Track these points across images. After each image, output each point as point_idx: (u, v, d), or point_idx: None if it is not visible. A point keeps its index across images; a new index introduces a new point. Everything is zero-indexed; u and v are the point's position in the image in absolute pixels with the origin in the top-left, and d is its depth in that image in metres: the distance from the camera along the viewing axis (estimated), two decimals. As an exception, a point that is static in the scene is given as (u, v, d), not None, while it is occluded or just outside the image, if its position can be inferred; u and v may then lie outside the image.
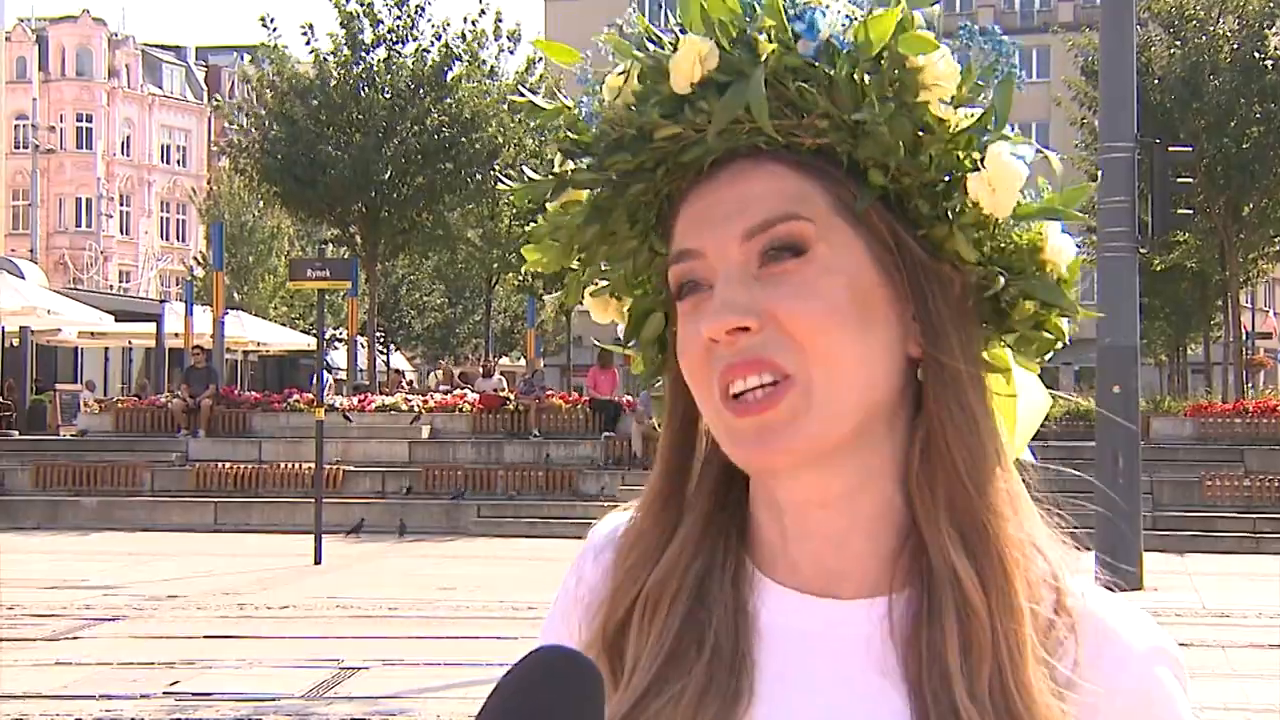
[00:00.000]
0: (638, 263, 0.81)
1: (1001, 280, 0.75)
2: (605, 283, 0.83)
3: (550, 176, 0.81)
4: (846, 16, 0.74)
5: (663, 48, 0.76)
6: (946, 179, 0.74)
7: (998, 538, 0.74)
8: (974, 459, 0.74)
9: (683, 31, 0.76)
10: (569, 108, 0.80)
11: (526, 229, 0.84)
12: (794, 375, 0.72)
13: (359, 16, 19.25)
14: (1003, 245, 0.75)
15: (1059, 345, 0.80)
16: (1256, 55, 18.58)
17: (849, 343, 0.73)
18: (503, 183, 0.95)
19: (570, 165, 0.80)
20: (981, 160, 0.74)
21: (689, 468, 0.80)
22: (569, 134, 0.80)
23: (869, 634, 0.74)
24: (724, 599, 0.77)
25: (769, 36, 0.73)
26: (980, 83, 0.75)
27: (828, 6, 0.75)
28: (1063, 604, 0.75)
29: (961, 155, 0.74)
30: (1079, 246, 0.82)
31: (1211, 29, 18.74)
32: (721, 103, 0.73)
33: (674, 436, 0.81)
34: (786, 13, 0.74)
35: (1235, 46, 18.64)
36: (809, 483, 0.75)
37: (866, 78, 0.73)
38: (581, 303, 0.85)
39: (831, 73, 0.72)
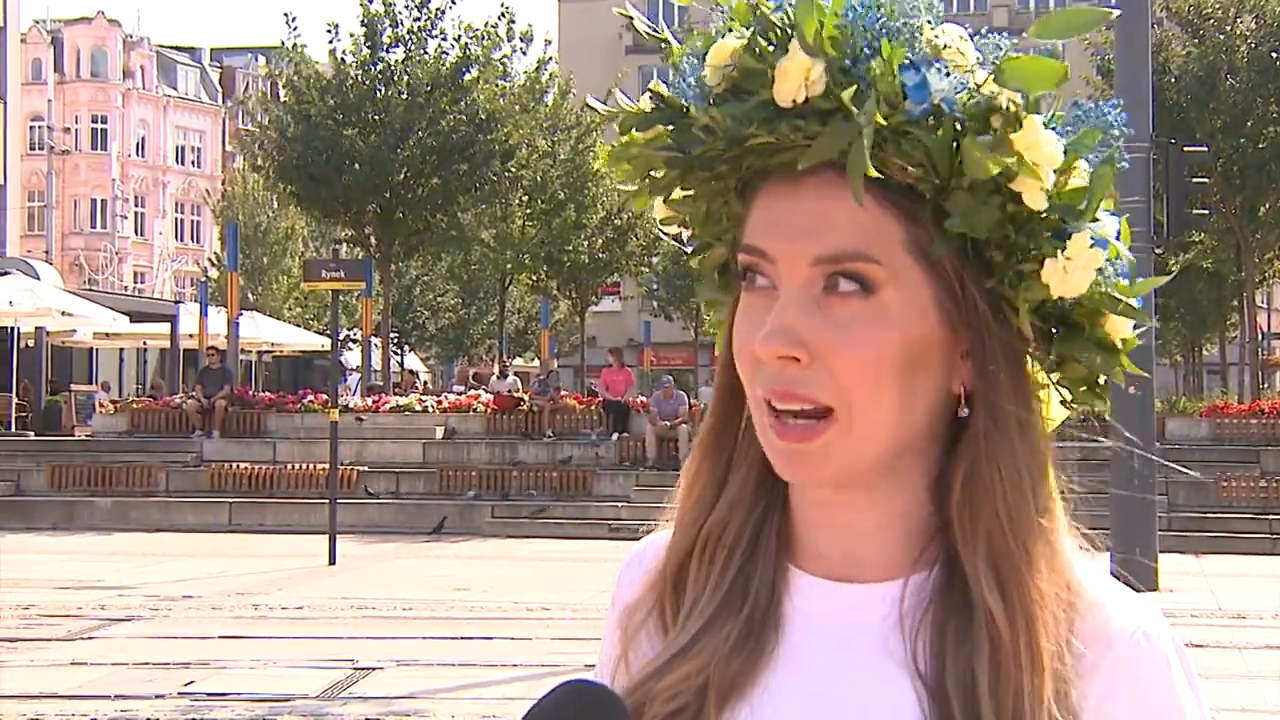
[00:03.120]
0: (712, 205, 0.81)
1: (1055, 337, 0.76)
2: (678, 202, 0.83)
3: (640, 111, 0.80)
4: (963, 82, 0.73)
5: (770, 36, 0.75)
6: (1029, 249, 0.74)
7: (1026, 587, 0.75)
8: (1016, 503, 0.75)
9: (792, 29, 0.74)
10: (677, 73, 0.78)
11: (611, 145, 0.82)
12: (835, 410, 0.74)
13: (380, 17, 19.35)
14: (1064, 305, 0.76)
15: (1098, 406, 0.80)
16: (1274, 55, 18.54)
17: (891, 389, 0.74)
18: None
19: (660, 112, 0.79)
20: (1063, 246, 0.73)
21: (740, 412, 0.81)
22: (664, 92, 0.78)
23: (883, 616, 0.77)
24: (769, 556, 0.80)
25: (877, 88, 0.72)
26: (1083, 165, 0.75)
27: (948, 65, 0.73)
28: (1073, 606, 0.76)
29: (1048, 234, 0.74)
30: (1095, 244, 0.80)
31: (1229, 28, 18.66)
32: (819, 142, 0.73)
33: (725, 379, 0.82)
34: (905, 61, 0.73)
35: (1253, 46, 18.58)
36: (836, 495, 0.78)
37: (968, 153, 0.72)
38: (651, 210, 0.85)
39: (932, 139, 0.72)
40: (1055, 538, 0.77)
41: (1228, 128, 18.10)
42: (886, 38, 0.73)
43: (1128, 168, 0.76)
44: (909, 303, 0.74)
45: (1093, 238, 0.74)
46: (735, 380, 0.81)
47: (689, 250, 0.85)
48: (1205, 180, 10.82)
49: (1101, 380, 0.79)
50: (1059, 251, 0.73)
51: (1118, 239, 0.76)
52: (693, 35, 0.79)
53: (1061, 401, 0.81)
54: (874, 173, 0.71)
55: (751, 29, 0.75)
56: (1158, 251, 10.19)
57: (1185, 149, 10.28)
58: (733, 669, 0.78)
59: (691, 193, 0.81)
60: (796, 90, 0.73)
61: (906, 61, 0.73)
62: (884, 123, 0.72)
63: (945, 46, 0.74)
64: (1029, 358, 0.77)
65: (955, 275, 0.75)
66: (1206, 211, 11.03)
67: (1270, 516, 12.95)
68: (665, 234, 0.85)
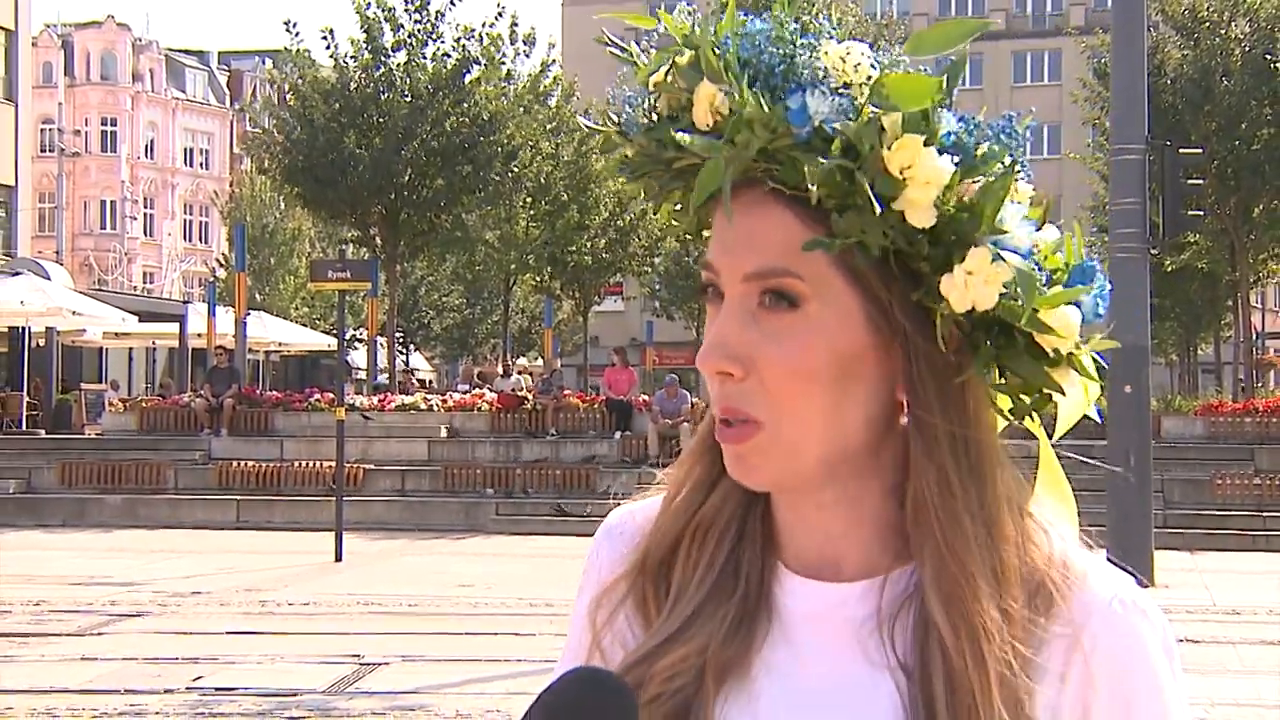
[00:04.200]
0: (700, 216, 0.83)
1: (986, 347, 0.75)
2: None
3: (605, 136, 0.82)
4: (847, 102, 0.73)
5: (691, 62, 0.76)
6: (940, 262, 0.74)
7: (966, 605, 0.75)
8: (951, 521, 0.75)
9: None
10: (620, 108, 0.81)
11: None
12: (764, 423, 0.76)
13: (380, 21, 19.43)
14: (993, 312, 0.74)
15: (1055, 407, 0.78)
16: (1268, 58, 18.56)
17: (819, 397, 0.75)
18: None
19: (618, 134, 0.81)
20: (959, 260, 0.73)
21: None
22: (615, 128, 0.81)
23: (863, 614, 0.78)
24: (756, 548, 0.81)
25: (750, 119, 0.73)
26: (976, 180, 0.74)
27: (830, 86, 0.73)
28: (1041, 588, 0.77)
29: (950, 249, 0.73)
30: (1090, 246, 0.80)
31: (1224, 32, 18.71)
32: (701, 176, 0.75)
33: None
34: (786, 86, 0.73)
35: (1247, 49, 18.61)
36: (800, 496, 0.80)
37: (854, 170, 0.73)
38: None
39: (818, 160, 0.73)
40: (1008, 543, 0.76)
41: (1222, 130, 18.15)
42: (777, 62, 0.74)
43: (1029, 184, 0.75)
44: (835, 315, 0.75)
45: (1001, 251, 0.72)
46: None
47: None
48: (1200, 182, 10.85)
49: (1042, 391, 0.77)
50: (955, 266, 0.73)
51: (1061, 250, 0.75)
52: (654, 55, 0.79)
53: (1010, 410, 0.79)
54: (782, 189, 0.74)
55: (677, 55, 0.77)
56: (1153, 252, 10.22)
57: (1180, 151, 10.29)
58: (728, 652, 0.79)
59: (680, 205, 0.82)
60: (706, 115, 0.75)
61: (793, 85, 0.73)
62: (767, 147, 0.73)
63: (829, 69, 0.74)
64: (965, 370, 0.76)
65: (883, 285, 0.75)
66: (1201, 213, 11.05)
67: (1264, 514, 13.00)
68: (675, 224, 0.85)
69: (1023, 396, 0.78)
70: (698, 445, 0.84)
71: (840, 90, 0.73)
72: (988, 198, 0.73)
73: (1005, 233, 0.74)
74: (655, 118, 0.78)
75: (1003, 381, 0.77)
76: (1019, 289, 0.73)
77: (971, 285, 0.72)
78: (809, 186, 0.73)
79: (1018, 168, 0.74)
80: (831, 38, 0.75)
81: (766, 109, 0.73)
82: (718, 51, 0.74)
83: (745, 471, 0.78)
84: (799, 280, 0.75)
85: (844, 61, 0.74)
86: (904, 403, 0.77)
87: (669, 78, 0.77)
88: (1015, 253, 0.73)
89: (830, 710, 0.77)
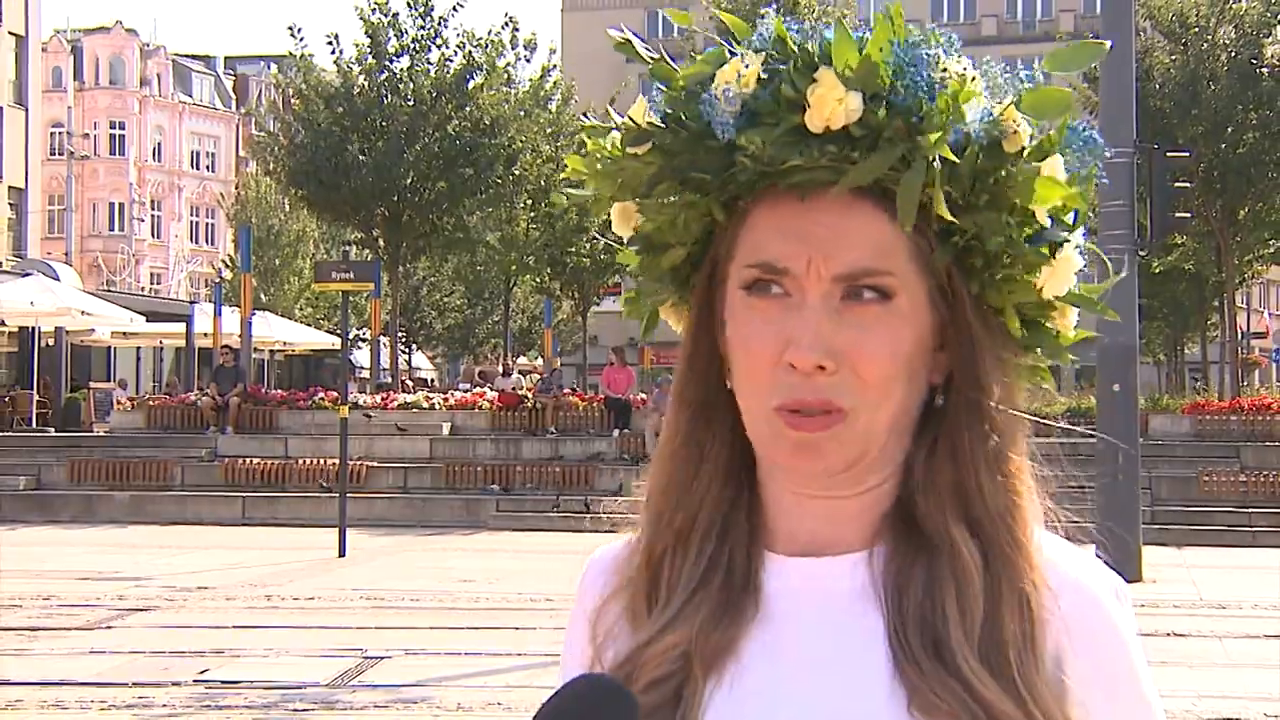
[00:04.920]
0: (688, 215, 0.82)
1: (1018, 329, 0.82)
2: (650, 206, 0.83)
3: (635, 126, 0.81)
4: (987, 111, 0.77)
5: (786, 58, 0.77)
6: (1010, 256, 0.79)
7: (999, 532, 0.79)
8: (987, 467, 0.80)
9: (817, 62, 0.76)
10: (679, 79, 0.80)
11: (582, 152, 0.84)
12: (847, 411, 0.78)
13: (384, 27, 19.57)
14: (1034, 306, 0.81)
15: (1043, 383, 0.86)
16: (1254, 63, 18.68)
17: (903, 385, 0.79)
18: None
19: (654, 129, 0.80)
20: (1053, 255, 0.79)
21: (712, 409, 0.84)
22: (661, 112, 0.80)
23: (855, 582, 0.80)
24: (741, 542, 0.83)
25: (935, 125, 0.75)
26: (1076, 188, 0.79)
27: (978, 101, 0.77)
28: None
29: (1040, 245, 0.79)
30: (1078, 248, 0.85)
31: (1210, 37, 18.79)
32: (864, 166, 0.76)
33: (700, 377, 0.85)
34: (969, 99, 0.76)
35: (1233, 54, 18.71)
36: (822, 483, 0.81)
37: (986, 175, 0.77)
38: (607, 214, 0.85)
39: (961, 163, 0.76)
40: (1024, 504, 0.81)
41: (1209, 133, 18.24)
42: (927, 71, 0.76)
43: (1108, 184, 0.92)
44: (916, 307, 0.79)
45: (1075, 245, 0.80)
46: (712, 379, 0.83)
47: (630, 248, 0.86)
48: (1187, 184, 10.91)
49: (1045, 365, 0.85)
50: (1051, 260, 0.80)
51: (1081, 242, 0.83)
52: (696, 59, 0.80)
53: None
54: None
55: (762, 54, 0.77)
56: (1141, 254, 10.30)
57: (1168, 154, 10.35)
58: (715, 638, 0.80)
59: (666, 197, 0.81)
60: (831, 117, 0.75)
61: (968, 98, 0.76)
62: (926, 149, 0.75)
63: (972, 79, 0.77)
64: (1012, 352, 0.82)
65: (948, 276, 0.80)
66: (1188, 215, 11.13)
67: (1250, 510, 13.12)
68: (605, 237, 0.90)
69: (1028, 375, 0.85)
70: (669, 454, 0.84)
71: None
72: (1080, 200, 0.80)
73: (1076, 229, 0.81)
74: (746, 118, 0.77)
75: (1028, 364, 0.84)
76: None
77: (1059, 275, 0.80)
78: (944, 190, 0.76)
79: (1096, 172, 0.81)
80: (945, 52, 0.78)
81: (960, 114, 0.75)
82: (886, 60, 0.76)
83: (814, 457, 0.78)
84: (892, 276, 0.78)
85: (974, 71, 0.78)
86: (937, 386, 0.82)
87: (767, 77, 0.77)
88: (1080, 249, 0.81)
89: (822, 682, 0.78)
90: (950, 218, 0.77)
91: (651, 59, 0.82)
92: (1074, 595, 0.79)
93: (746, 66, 0.77)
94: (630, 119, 0.81)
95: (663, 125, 0.79)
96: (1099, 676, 0.78)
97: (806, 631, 0.80)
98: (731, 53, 0.78)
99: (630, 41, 0.83)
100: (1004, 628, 0.77)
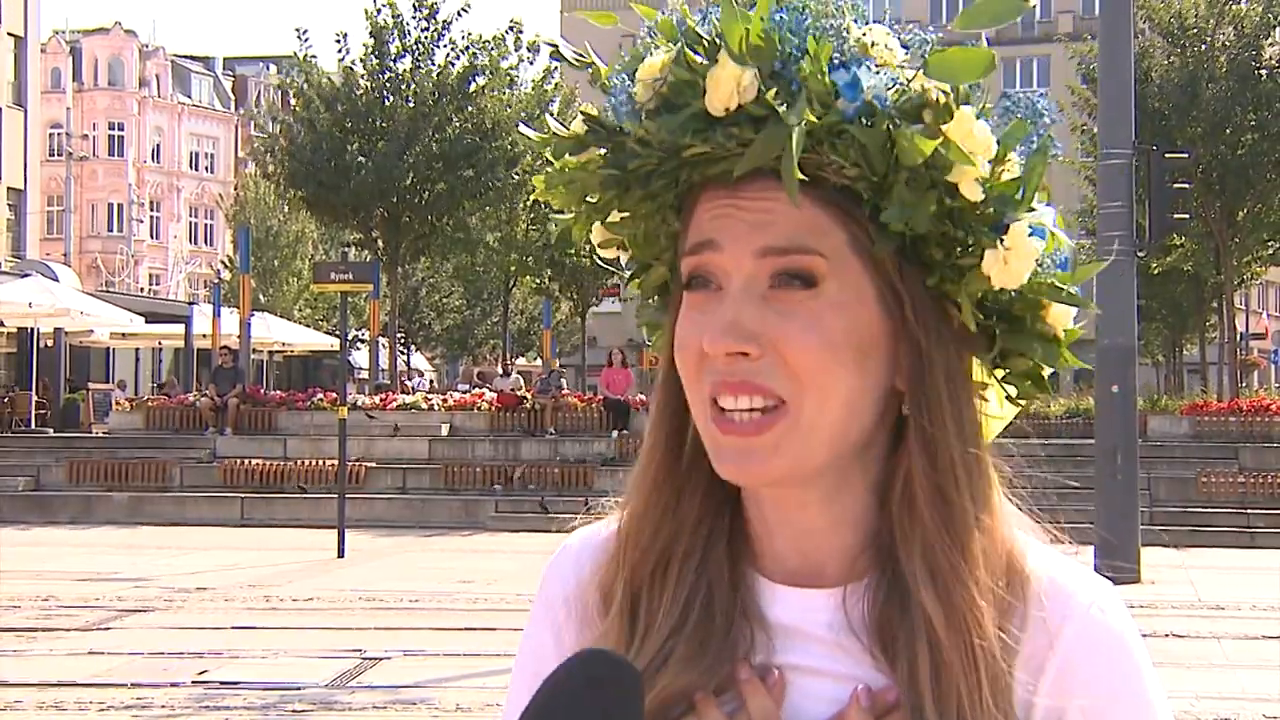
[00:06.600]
0: (649, 225, 0.80)
1: (997, 333, 0.76)
2: (616, 224, 0.81)
3: (575, 135, 0.78)
4: (893, 78, 0.72)
5: (698, 49, 0.73)
6: (968, 243, 0.73)
7: (965, 586, 0.74)
8: (952, 500, 0.75)
9: (719, 39, 0.72)
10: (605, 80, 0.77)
11: (544, 171, 0.82)
12: (788, 403, 0.73)
13: (390, 29, 19.61)
14: (1005, 298, 0.75)
15: (1041, 395, 0.79)
16: (1253, 64, 18.72)
17: (843, 379, 0.73)
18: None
19: (593, 134, 0.77)
20: (1002, 237, 0.72)
21: (686, 428, 0.80)
22: (594, 112, 0.78)
23: (840, 620, 0.77)
24: (723, 565, 0.79)
25: (808, 88, 0.71)
26: (1014, 156, 0.73)
27: (877, 61, 0.72)
28: (1016, 576, 0.77)
29: (985, 228, 0.73)
30: (1078, 249, 0.81)
31: (1209, 39, 18.85)
32: (754, 148, 0.71)
33: (669, 395, 0.81)
34: (834, 60, 0.71)
35: (1232, 56, 18.75)
36: (787, 493, 0.77)
37: (901, 145, 0.71)
38: (589, 238, 0.83)
39: (867, 135, 0.71)
40: (995, 532, 0.76)
41: (1208, 135, 18.27)
42: (814, 38, 0.71)
43: (1060, 154, 0.75)
44: (852, 297, 0.74)
45: (1030, 228, 0.72)
46: (680, 397, 0.79)
47: (627, 274, 0.84)
48: (1186, 186, 10.91)
49: (1046, 374, 0.78)
50: (998, 243, 0.72)
51: (1054, 229, 0.75)
52: (621, 55, 0.77)
53: (1008, 397, 0.80)
54: (800, 175, 0.70)
55: (678, 42, 0.74)
56: (1140, 255, 10.31)
57: (1166, 155, 10.35)
58: (716, 672, 0.77)
59: (629, 214, 0.79)
60: (728, 98, 0.71)
61: (836, 61, 0.71)
62: (817, 122, 0.71)
63: (873, 44, 0.72)
64: (971, 357, 0.77)
65: (896, 270, 0.74)
66: (1187, 216, 11.15)
67: (1248, 511, 13.14)
68: (602, 260, 0.83)
69: (1025, 382, 0.78)
70: (648, 477, 0.81)
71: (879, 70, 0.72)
72: (1031, 172, 0.73)
73: (1035, 210, 0.74)
74: (654, 108, 0.74)
75: (1005, 370, 0.78)
76: (1042, 267, 0.74)
77: (1011, 262, 0.72)
78: (856, 164, 0.71)
79: (1049, 144, 0.74)
80: (856, 21, 0.74)
81: (826, 81, 0.71)
82: (764, 31, 0.71)
83: (755, 466, 0.74)
84: (820, 258, 0.73)
85: (888, 38, 0.73)
86: (902, 394, 0.76)
87: (670, 66, 0.73)
88: (1041, 232, 0.73)
89: (822, 716, 0.76)
90: (866, 197, 0.72)
91: (578, 63, 0.80)
92: (1063, 611, 0.76)
93: (658, 55, 0.74)
94: (564, 128, 0.79)
95: (588, 128, 0.77)
96: (1099, 689, 0.75)
97: (805, 667, 0.77)
98: (657, 46, 0.75)
99: (558, 47, 0.81)
100: (969, 691, 0.73)
